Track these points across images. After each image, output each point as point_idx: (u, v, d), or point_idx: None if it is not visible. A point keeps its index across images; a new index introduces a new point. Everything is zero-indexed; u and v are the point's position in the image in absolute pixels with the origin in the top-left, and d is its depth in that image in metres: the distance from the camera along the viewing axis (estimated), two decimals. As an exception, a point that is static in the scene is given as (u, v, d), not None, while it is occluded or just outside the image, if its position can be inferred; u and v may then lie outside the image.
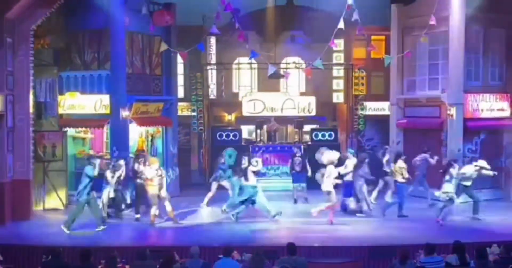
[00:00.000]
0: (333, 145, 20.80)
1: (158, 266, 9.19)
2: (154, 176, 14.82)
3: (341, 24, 14.93)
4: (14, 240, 13.27)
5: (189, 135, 23.42)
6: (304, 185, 17.80)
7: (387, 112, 21.60)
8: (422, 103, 19.48)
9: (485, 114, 18.53)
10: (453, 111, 17.95)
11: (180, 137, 22.18)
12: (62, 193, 17.22)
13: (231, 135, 20.90)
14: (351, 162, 16.03)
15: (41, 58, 16.83)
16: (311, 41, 23.91)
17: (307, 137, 22.32)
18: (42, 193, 17.04)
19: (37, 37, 16.30)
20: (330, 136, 21.13)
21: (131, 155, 18.19)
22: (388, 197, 16.58)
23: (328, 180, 14.91)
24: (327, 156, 15.25)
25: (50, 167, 17.17)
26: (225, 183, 17.34)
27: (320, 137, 21.10)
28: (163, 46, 16.46)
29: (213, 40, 23.37)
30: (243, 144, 21.16)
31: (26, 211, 15.73)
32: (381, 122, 22.27)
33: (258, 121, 21.94)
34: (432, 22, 16.33)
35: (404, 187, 15.78)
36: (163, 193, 15.05)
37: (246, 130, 23.56)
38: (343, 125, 23.17)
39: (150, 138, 19.76)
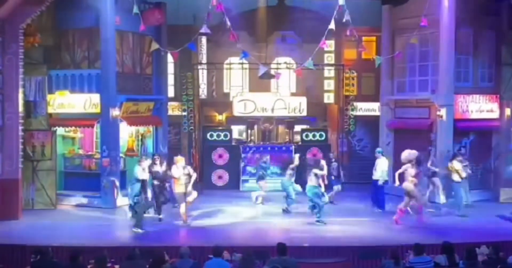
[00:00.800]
0: (323, 145, 20.94)
1: (148, 266, 9.17)
2: (180, 175, 14.77)
3: (332, 25, 14.96)
4: (2, 239, 13.15)
5: (180, 134, 23.38)
6: (340, 186, 17.95)
7: (377, 113, 21.67)
8: (412, 104, 19.57)
9: (475, 116, 18.63)
10: (442, 112, 18.04)
11: (171, 136, 22.17)
12: (51, 193, 17.14)
13: (221, 134, 20.93)
14: (382, 161, 16.35)
15: (30, 56, 16.73)
16: (302, 42, 23.96)
17: (297, 137, 22.35)
18: (31, 192, 16.94)
19: (27, 35, 16.16)
20: (320, 136, 21.20)
21: (121, 155, 18.16)
22: (442, 198, 16.98)
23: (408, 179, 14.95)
24: (405, 154, 15.27)
25: (39, 166, 17.08)
26: (262, 183, 17.55)
27: (310, 137, 21.16)
28: (154, 46, 16.40)
29: (204, 40, 23.34)
30: (233, 144, 21.17)
31: (15, 210, 15.62)
32: (371, 123, 22.34)
33: (249, 121, 21.94)
34: (423, 23, 16.40)
35: (461, 186, 15.93)
36: (190, 190, 14.98)
37: (237, 130, 23.55)
38: (334, 126, 23.21)
39: (140, 137, 19.69)
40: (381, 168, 16.33)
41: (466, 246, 10.60)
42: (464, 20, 17.89)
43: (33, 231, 14.24)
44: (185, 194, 14.81)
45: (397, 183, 15.42)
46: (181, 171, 14.77)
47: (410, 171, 14.93)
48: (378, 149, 17.07)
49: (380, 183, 16.41)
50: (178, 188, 14.80)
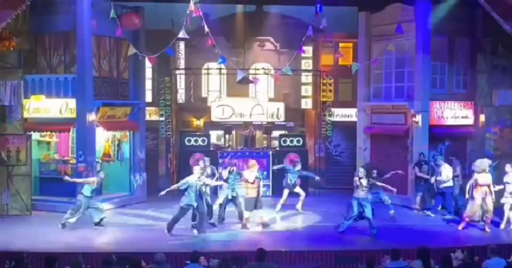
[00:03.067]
0: (301, 151, 21.00)
1: (124, 272, 9.12)
2: (254, 179, 14.91)
3: (309, 31, 15.07)
4: (-24, 246, 12.99)
5: (157, 139, 23.25)
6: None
7: (354, 118, 21.80)
8: (389, 110, 19.73)
9: (450, 122, 18.87)
10: (418, 118, 18.24)
11: (148, 141, 22.02)
12: (27, 198, 16.93)
13: (199, 139, 20.82)
14: (446, 169, 16.35)
15: (6, 60, 16.60)
16: (280, 48, 24.05)
17: (275, 143, 22.39)
18: (6, 198, 16.74)
19: (2, 39, 16.00)
20: (298, 141, 21.23)
21: (97, 160, 18.01)
22: None
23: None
24: (478, 163, 15.25)
25: (14, 172, 16.88)
26: (298, 190, 17.42)
27: (288, 142, 21.18)
28: (131, 50, 16.34)
29: (182, 44, 23.27)
30: (211, 149, 21.12)
31: (-11, 216, 15.45)
32: (348, 128, 22.49)
33: (226, 127, 21.95)
34: (399, 30, 16.60)
35: None
36: (260, 197, 15.18)
37: (215, 136, 23.52)
38: (311, 131, 23.31)
39: (117, 142, 19.56)
40: (446, 174, 16.30)
41: (442, 251, 10.74)
42: (439, 28, 18.13)
43: (7, 237, 14.02)
44: (257, 200, 14.93)
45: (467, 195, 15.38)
46: (254, 175, 14.94)
47: (478, 180, 14.96)
48: (439, 156, 17.04)
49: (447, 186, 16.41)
50: (250, 193, 14.93)
